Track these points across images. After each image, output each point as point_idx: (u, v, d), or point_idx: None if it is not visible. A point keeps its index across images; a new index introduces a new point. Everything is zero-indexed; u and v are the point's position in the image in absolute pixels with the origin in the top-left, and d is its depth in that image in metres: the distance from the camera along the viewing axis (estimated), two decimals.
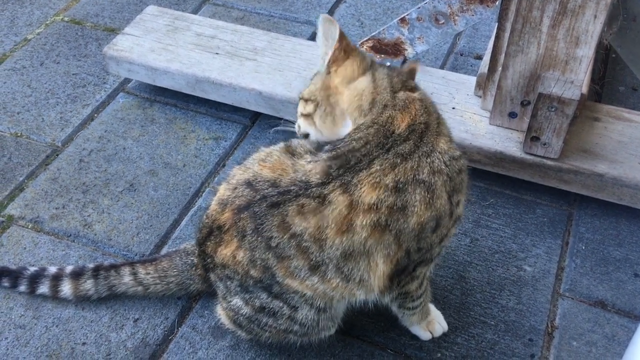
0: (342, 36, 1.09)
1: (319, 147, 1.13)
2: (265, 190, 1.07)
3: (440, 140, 1.07)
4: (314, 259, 1.05)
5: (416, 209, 1.02)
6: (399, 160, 1.02)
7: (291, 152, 1.11)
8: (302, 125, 1.17)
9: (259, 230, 1.06)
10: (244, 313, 1.19)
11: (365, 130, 1.05)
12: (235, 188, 1.12)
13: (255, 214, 1.07)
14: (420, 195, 1.02)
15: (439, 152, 1.05)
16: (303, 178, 1.04)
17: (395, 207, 1.01)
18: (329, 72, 1.12)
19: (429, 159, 1.04)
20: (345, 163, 1.03)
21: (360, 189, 1.01)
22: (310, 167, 1.05)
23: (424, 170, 1.02)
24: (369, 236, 1.02)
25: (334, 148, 1.07)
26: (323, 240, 1.02)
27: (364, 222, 1.01)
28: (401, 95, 1.09)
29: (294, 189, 1.04)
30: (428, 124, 1.07)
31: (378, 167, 1.02)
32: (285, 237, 1.05)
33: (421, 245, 1.07)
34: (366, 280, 1.07)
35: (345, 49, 1.10)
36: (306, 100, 1.16)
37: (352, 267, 1.05)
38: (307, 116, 1.15)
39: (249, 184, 1.10)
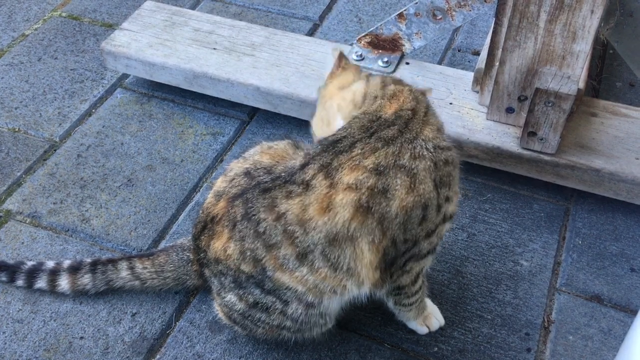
0: (341, 56, 1.21)
1: None
2: (260, 177, 1.10)
3: (426, 128, 1.09)
4: (300, 246, 1.05)
5: (397, 192, 1.03)
6: (380, 145, 1.04)
7: (296, 146, 1.16)
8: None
9: (248, 215, 1.08)
10: (238, 309, 1.19)
11: (354, 119, 1.10)
12: (233, 179, 1.13)
13: (247, 201, 1.09)
14: (401, 179, 1.03)
15: (422, 140, 1.07)
16: (290, 164, 1.09)
17: (376, 189, 1.02)
18: (326, 85, 1.20)
19: (410, 145, 1.06)
20: (325, 141, 1.07)
21: (341, 171, 1.03)
22: (300, 154, 1.10)
23: (404, 155, 1.04)
24: (351, 218, 1.02)
25: (326, 138, 1.10)
26: (307, 220, 1.03)
27: (344, 201, 1.02)
28: (391, 87, 1.14)
29: (283, 175, 1.07)
30: (415, 111, 1.09)
31: (359, 151, 1.04)
32: (270, 219, 1.06)
33: (407, 237, 1.07)
34: (354, 269, 1.07)
35: (343, 66, 1.21)
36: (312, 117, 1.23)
37: (339, 255, 1.05)
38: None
39: (247, 173, 1.12)
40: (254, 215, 1.07)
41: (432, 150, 1.06)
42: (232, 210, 1.10)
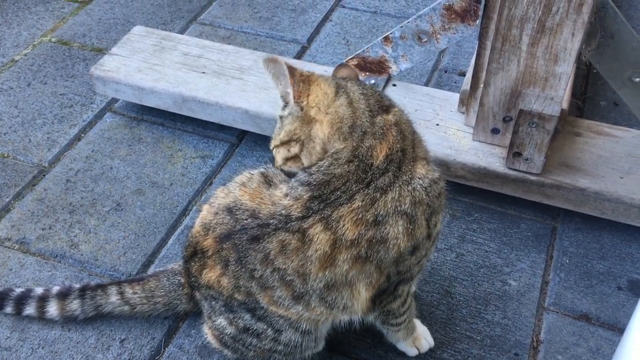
0: (291, 69, 1.09)
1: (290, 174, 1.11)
2: (245, 221, 1.06)
3: (417, 165, 1.07)
4: (297, 290, 1.06)
5: (398, 241, 1.03)
6: (378, 195, 1.02)
7: (268, 182, 1.10)
8: (288, 167, 1.15)
9: (242, 263, 1.07)
10: (228, 332, 1.19)
11: (346, 167, 1.04)
12: (217, 213, 1.12)
13: (236, 247, 1.07)
14: (403, 227, 1.03)
15: (419, 178, 1.05)
16: (283, 212, 1.03)
17: (374, 240, 1.02)
18: (302, 109, 1.10)
19: (409, 187, 1.04)
20: (325, 200, 1.02)
21: (343, 226, 1.01)
22: (290, 204, 1.03)
23: (405, 201, 1.03)
24: (350, 268, 1.03)
25: (310, 180, 1.04)
26: (306, 274, 1.03)
27: (345, 257, 1.02)
28: (379, 120, 1.08)
29: (273, 222, 1.04)
30: (404, 151, 1.07)
31: (360, 203, 1.01)
32: (268, 270, 1.05)
33: (400, 269, 1.09)
34: (349, 307, 1.09)
35: (302, 79, 1.10)
36: (287, 142, 1.13)
37: (336, 297, 1.07)
38: (294, 157, 1.13)
39: (229, 210, 1.10)
40: (248, 264, 1.07)
41: (429, 189, 1.05)
42: (222, 253, 1.09)
